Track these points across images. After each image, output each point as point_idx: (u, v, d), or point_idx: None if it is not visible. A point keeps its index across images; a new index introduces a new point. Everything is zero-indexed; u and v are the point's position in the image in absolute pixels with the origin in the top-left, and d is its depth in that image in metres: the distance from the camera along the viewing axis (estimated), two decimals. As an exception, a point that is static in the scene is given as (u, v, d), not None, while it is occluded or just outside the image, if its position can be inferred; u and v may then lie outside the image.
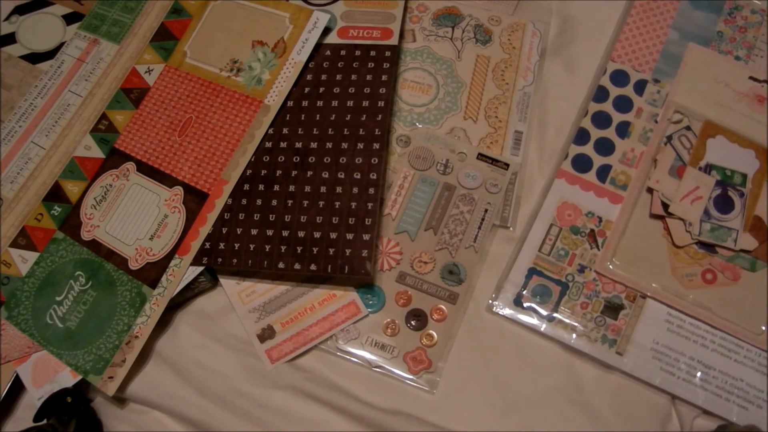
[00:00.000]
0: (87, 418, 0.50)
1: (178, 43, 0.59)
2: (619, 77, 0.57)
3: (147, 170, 0.55)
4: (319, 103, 0.55)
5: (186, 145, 0.55)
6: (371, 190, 0.51)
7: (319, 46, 0.56)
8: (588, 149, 0.56)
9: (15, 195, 0.56)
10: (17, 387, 0.51)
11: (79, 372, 0.50)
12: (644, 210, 0.54)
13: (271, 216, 0.52)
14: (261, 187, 0.53)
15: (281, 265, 0.50)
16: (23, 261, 0.54)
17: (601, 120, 0.56)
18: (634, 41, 0.58)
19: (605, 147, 0.56)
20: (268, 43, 0.56)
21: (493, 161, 0.56)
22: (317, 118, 0.54)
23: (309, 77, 0.56)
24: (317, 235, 0.50)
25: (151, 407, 0.52)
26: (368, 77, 0.55)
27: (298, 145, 0.54)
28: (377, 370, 0.51)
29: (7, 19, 0.63)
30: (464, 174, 0.55)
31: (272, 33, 0.57)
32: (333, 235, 0.50)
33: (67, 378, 0.50)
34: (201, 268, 0.51)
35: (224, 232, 0.52)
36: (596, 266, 0.53)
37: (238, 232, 0.52)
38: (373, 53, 0.56)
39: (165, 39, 0.59)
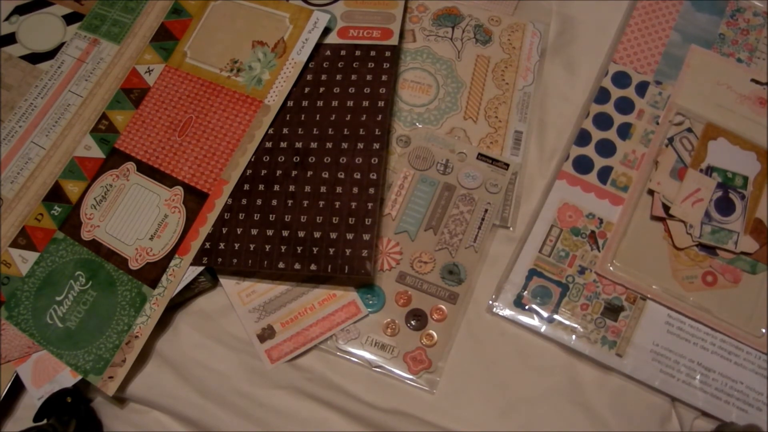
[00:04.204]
0: (87, 418, 0.50)
1: (179, 44, 0.59)
2: (621, 79, 0.57)
3: (147, 170, 0.55)
4: (319, 103, 0.54)
5: (186, 145, 0.55)
6: (371, 190, 0.51)
7: (319, 46, 0.56)
8: (589, 150, 0.56)
9: (15, 195, 0.56)
10: (17, 387, 0.51)
11: (79, 372, 0.50)
12: (645, 212, 0.54)
13: (271, 216, 0.52)
14: (261, 187, 0.53)
15: (281, 265, 0.50)
16: (23, 261, 0.54)
17: (603, 121, 0.56)
18: (636, 43, 0.58)
19: (606, 148, 0.56)
20: (268, 43, 0.56)
21: (493, 161, 0.56)
22: (317, 118, 0.54)
23: (309, 77, 0.56)
24: (317, 235, 0.50)
25: (151, 407, 0.52)
26: (368, 77, 0.55)
27: (298, 145, 0.53)
28: (377, 370, 0.51)
29: (7, 19, 0.63)
30: (464, 174, 0.55)
31: (272, 33, 0.57)
32: (333, 235, 0.50)
33: (67, 378, 0.50)
34: (201, 268, 0.51)
35: (224, 232, 0.52)
36: (597, 268, 0.53)
37: (238, 232, 0.52)
38: (373, 53, 0.55)
39: (165, 39, 0.59)
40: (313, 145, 0.53)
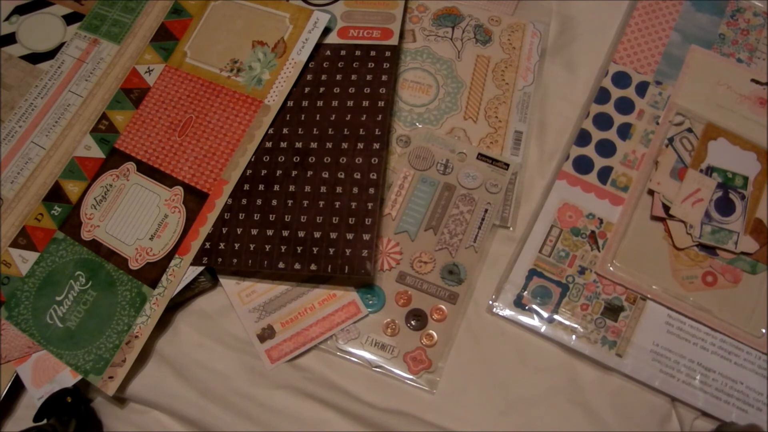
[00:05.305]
0: (87, 418, 0.50)
1: (179, 43, 0.59)
2: (621, 79, 0.57)
3: (147, 170, 0.55)
4: (319, 103, 0.55)
5: (186, 145, 0.55)
6: (371, 190, 0.51)
7: (319, 46, 0.56)
8: (589, 151, 0.56)
9: (15, 195, 0.56)
10: (17, 387, 0.51)
11: (79, 372, 0.50)
12: (645, 212, 0.54)
13: (271, 216, 0.52)
14: (261, 187, 0.53)
15: (281, 265, 0.50)
16: (23, 261, 0.54)
17: (603, 121, 0.56)
18: (636, 43, 0.58)
19: (606, 149, 0.56)
20: (268, 43, 0.56)
21: (493, 161, 0.56)
22: (317, 118, 0.54)
23: (309, 77, 0.56)
24: (317, 235, 0.50)
25: (151, 407, 0.52)
26: (368, 77, 0.55)
27: (298, 145, 0.53)
28: (377, 370, 0.51)
29: (7, 19, 0.63)
30: (464, 174, 0.55)
31: (272, 33, 0.57)
32: (333, 235, 0.50)
33: (67, 378, 0.50)
34: (201, 268, 0.51)
35: (224, 232, 0.52)
36: (597, 268, 0.53)
37: (238, 232, 0.52)
38: (373, 53, 0.55)
39: (165, 39, 0.59)
40: (313, 145, 0.53)
